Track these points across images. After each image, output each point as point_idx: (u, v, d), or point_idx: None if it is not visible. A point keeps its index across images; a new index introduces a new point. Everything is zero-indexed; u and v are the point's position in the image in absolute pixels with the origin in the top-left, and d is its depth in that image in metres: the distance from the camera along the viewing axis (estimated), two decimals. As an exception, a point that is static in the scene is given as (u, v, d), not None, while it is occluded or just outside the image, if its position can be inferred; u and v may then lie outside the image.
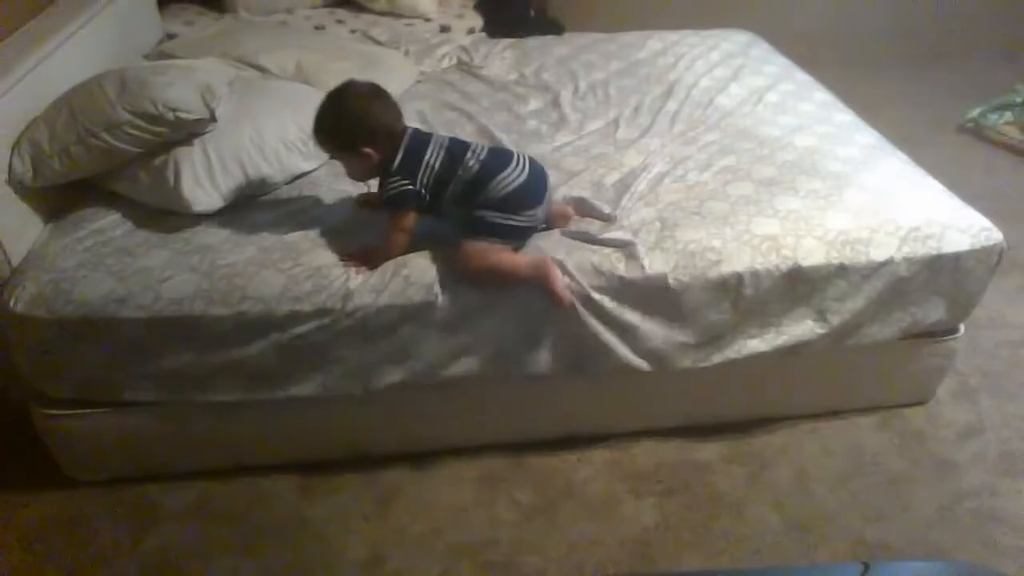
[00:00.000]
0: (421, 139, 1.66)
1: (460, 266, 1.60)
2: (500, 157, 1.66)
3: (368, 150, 1.59)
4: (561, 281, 1.58)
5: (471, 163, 1.63)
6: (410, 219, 1.64)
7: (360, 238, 1.69)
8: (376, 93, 1.63)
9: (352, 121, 1.59)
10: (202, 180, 1.74)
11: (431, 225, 1.69)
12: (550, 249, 1.65)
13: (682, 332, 1.67)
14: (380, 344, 1.60)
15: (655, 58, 2.61)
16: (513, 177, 1.62)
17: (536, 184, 1.65)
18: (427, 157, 1.63)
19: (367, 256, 1.64)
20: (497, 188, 1.61)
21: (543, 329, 1.63)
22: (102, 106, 1.71)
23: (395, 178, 1.62)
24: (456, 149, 1.66)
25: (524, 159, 1.67)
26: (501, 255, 1.60)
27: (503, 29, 3.09)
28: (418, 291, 1.58)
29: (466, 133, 2.17)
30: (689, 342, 1.68)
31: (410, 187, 1.62)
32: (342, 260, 1.64)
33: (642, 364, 1.68)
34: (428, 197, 1.64)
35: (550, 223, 1.74)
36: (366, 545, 1.66)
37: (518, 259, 1.62)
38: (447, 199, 1.65)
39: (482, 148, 1.67)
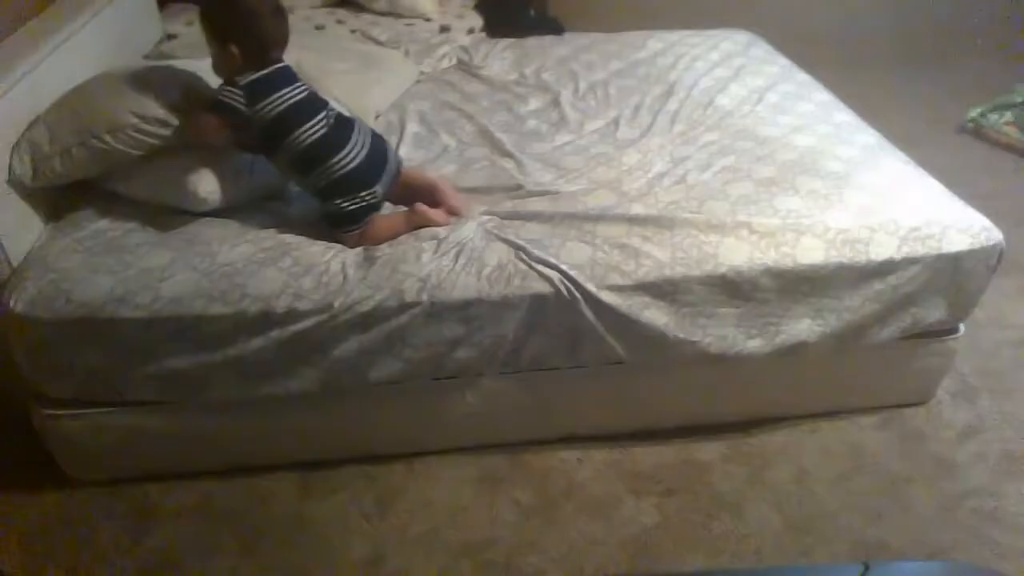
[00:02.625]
0: (287, 76, 1.68)
1: (352, 249, 1.68)
2: (338, 136, 1.69)
3: (235, 50, 1.61)
4: (437, 214, 1.72)
5: (307, 134, 1.66)
6: (216, 127, 1.65)
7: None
8: (276, 7, 1.65)
9: (237, 14, 1.61)
10: (211, 175, 1.72)
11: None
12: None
13: (679, 329, 1.67)
14: (378, 338, 1.60)
15: (655, 58, 2.61)
16: (347, 160, 1.67)
17: (372, 164, 1.72)
18: (279, 95, 1.65)
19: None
20: (328, 172, 1.67)
21: (540, 320, 1.63)
22: (105, 108, 1.70)
23: (237, 91, 1.62)
24: (304, 110, 1.67)
25: (363, 138, 1.72)
26: (377, 230, 1.69)
27: (503, 29, 3.08)
28: (414, 284, 1.59)
29: (466, 133, 2.17)
30: (687, 339, 1.68)
31: (243, 108, 1.62)
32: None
33: (638, 359, 1.69)
34: (257, 134, 1.67)
35: (407, 195, 1.79)
36: (366, 545, 1.66)
37: (393, 221, 1.72)
38: (281, 157, 1.69)
39: (326, 122, 1.69)
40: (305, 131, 1.66)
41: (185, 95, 1.72)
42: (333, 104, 1.78)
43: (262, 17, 1.63)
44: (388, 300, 1.58)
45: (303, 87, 1.70)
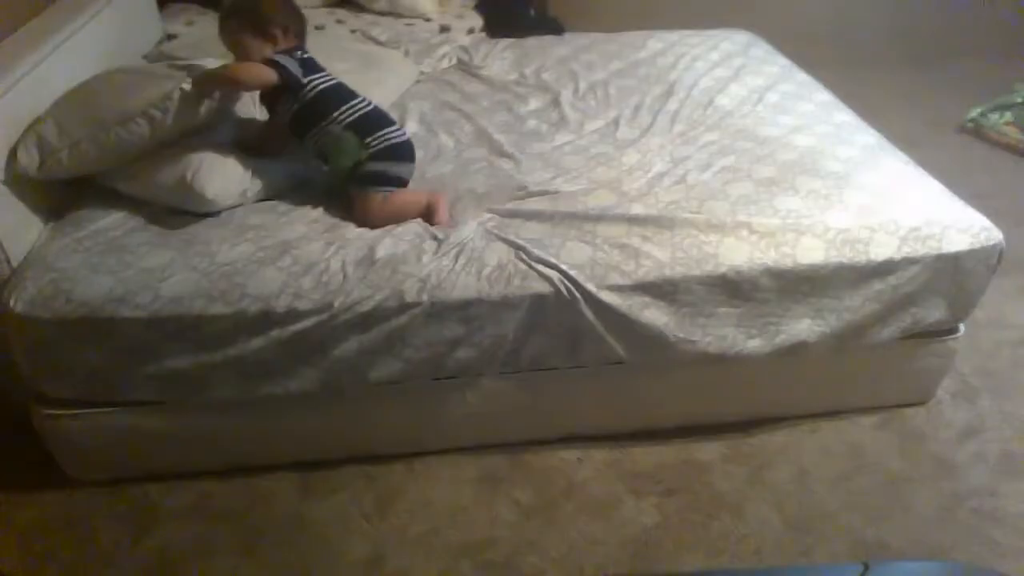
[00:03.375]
0: (317, 62, 1.81)
1: (366, 217, 1.74)
2: (386, 115, 1.86)
3: (279, 33, 1.75)
4: (445, 212, 1.77)
5: (358, 107, 1.79)
6: (268, 72, 1.70)
7: (355, 240, 1.69)
8: None
9: (279, 4, 1.78)
10: (218, 176, 1.72)
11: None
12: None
13: (679, 328, 1.67)
14: (378, 338, 1.60)
15: (655, 58, 2.61)
16: (397, 134, 1.82)
17: (411, 147, 1.87)
18: (325, 73, 1.80)
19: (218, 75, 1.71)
20: (385, 138, 1.78)
21: (540, 320, 1.63)
22: (114, 100, 1.70)
23: (291, 59, 1.74)
24: (347, 89, 1.82)
25: (403, 127, 1.88)
26: (401, 199, 1.78)
27: (503, 29, 3.08)
28: (414, 284, 1.59)
29: (465, 133, 2.17)
30: (687, 339, 1.68)
31: (297, 74, 1.74)
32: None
33: (638, 359, 1.69)
34: (298, 108, 1.76)
35: None
36: (366, 545, 1.66)
37: (414, 195, 1.80)
38: (322, 132, 1.77)
39: (368, 101, 1.83)
40: (355, 104, 1.79)
41: (211, 69, 1.73)
42: None
43: (295, 6, 1.83)
44: (388, 300, 1.58)
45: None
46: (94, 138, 1.70)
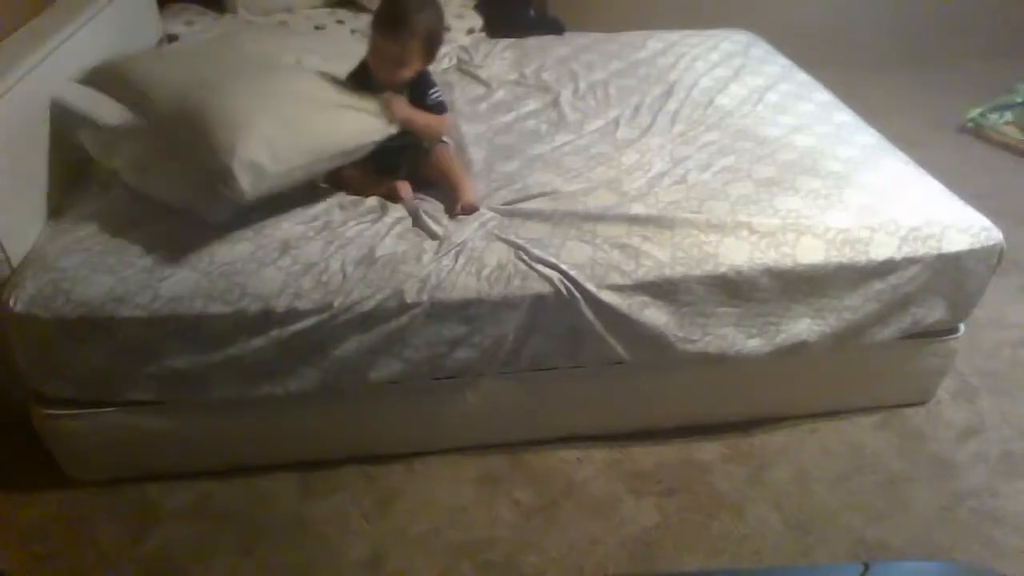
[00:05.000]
0: None
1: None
2: None
3: (428, 59, 1.81)
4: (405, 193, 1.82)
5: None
6: (447, 125, 1.90)
7: (355, 239, 1.69)
8: None
9: (440, 15, 1.82)
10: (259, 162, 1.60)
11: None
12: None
13: (679, 328, 1.67)
14: (378, 338, 1.60)
15: (655, 58, 2.61)
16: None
17: None
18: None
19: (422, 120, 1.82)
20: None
21: (540, 320, 1.63)
22: (326, 128, 1.66)
23: (436, 87, 1.86)
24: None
25: None
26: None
27: (503, 29, 3.08)
28: (414, 284, 1.59)
29: (465, 133, 2.17)
30: (687, 339, 1.68)
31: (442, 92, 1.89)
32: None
33: (638, 359, 1.69)
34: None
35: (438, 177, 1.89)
36: (366, 545, 1.66)
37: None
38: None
39: None
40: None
41: (385, 101, 1.76)
42: None
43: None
44: (388, 300, 1.58)
45: None
46: (309, 168, 1.66)
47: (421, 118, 1.82)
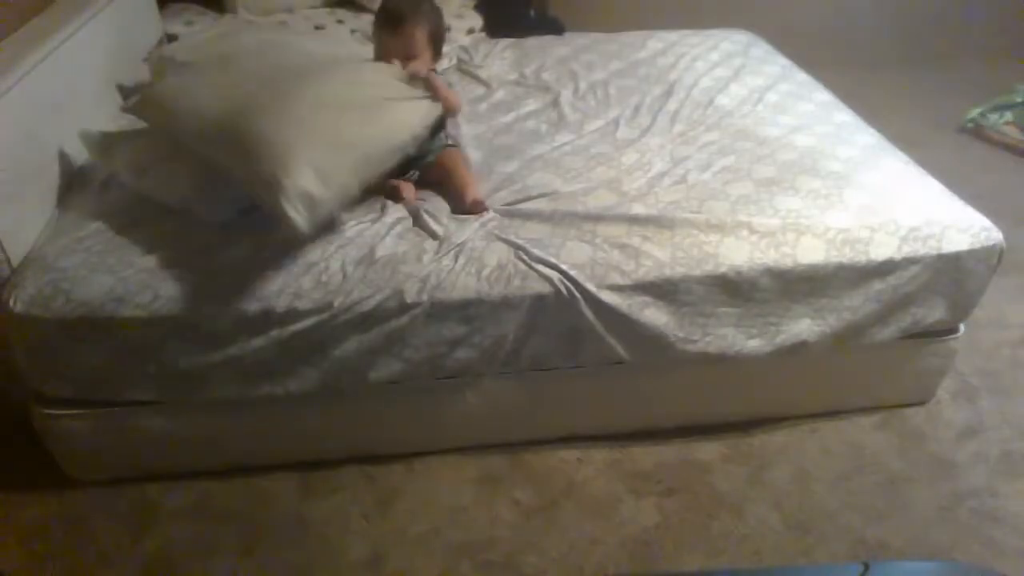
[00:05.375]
0: None
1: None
2: None
3: (435, 51, 1.87)
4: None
5: None
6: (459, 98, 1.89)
7: (356, 239, 1.69)
8: None
9: (439, 13, 1.88)
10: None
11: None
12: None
13: (679, 328, 1.67)
14: (378, 338, 1.60)
15: (655, 58, 2.61)
16: None
17: None
18: None
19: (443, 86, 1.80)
20: None
21: (540, 320, 1.63)
22: (371, 131, 1.61)
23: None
24: None
25: None
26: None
27: (503, 29, 3.09)
28: (414, 284, 1.59)
29: (465, 133, 2.17)
30: (687, 339, 1.68)
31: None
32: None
33: (638, 359, 1.69)
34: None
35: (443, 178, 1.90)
36: (366, 545, 1.66)
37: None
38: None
39: None
40: None
41: (407, 73, 1.75)
42: None
43: None
44: (388, 300, 1.58)
45: None
46: (363, 177, 1.61)
47: (442, 85, 1.81)
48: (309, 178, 1.48)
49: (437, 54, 1.88)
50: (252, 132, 1.53)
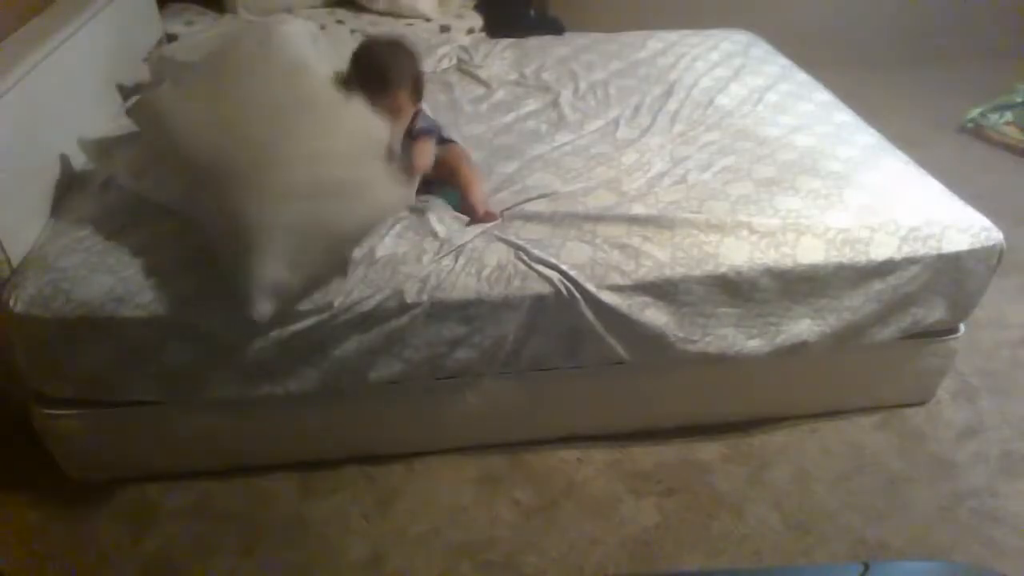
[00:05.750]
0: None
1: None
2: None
3: (415, 96, 1.81)
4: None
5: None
6: (432, 148, 1.82)
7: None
8: None
9: (416, 58, 1.82)
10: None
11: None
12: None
13: (679, 328, 1.67)
14: (378, 338, 1.60)
15: (655, 58, 2.61)
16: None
17: None
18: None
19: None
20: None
21: (540, 321, 1.63)
22: (343, 219, 1.54)
23: (431, 121, 1.89)
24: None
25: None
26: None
27: (503, 29, 3.09)
28: (414, 284, 1.59)
29: (465, 133, 2.17)
30: (687, 339, 1.68)
31: (439, 132, 1.89)
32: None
33: (638, 359, 1.69)
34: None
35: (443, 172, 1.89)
36: (366, 545, 1.66)
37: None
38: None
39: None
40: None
41: (381, 170, 1.63)
42: None
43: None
44: (388, 300, 1.58)
45: None
46: (333, 263, 1.57)
47: (420, 156, 1.76)
48: (280, 270, 1.47)
49: (419, 99, 1.84)
50: (229, 204, 1.49)
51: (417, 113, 1.86)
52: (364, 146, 1.61)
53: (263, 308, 1.48)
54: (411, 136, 1.82)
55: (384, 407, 1.77)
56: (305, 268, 1.52)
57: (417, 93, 1.82)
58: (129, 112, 1.80)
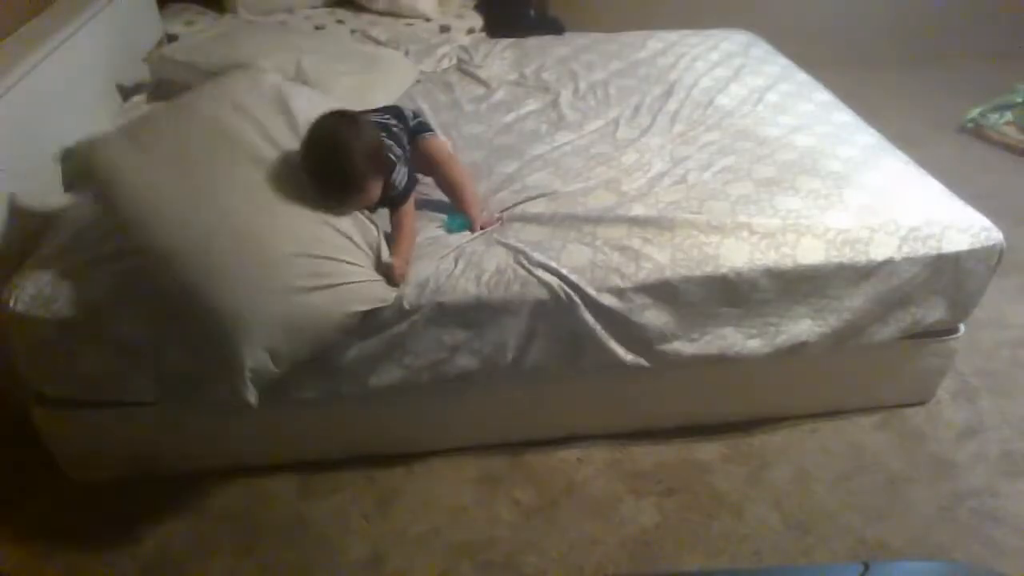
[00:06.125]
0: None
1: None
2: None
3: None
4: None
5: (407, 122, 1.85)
6: (412, 209, 1.71)
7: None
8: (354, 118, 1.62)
9: (364, 129, 1.59)
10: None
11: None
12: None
13: (679, 329, 1.67)
14: (378, 344, 1.60)
15: (655, 58, 2.61)
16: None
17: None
18: (391, 146, 1.71)
19: (400, 263, 1.59)
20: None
21: (540, 325, 1.63)
22: (326, 317, 1.50)
23: (397, 172, 1.67)
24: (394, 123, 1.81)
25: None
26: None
27: (503, 29, 3.09)
28: (413, 289, 1.58)
29: (465, 133, 2.17)
30: (687, 340, 1.68)
31: (405, 168, 1.69)
32: (395, 282, 1.58)
33: (639, 362, 1.69)
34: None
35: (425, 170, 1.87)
36: (366, 545, 1.66)
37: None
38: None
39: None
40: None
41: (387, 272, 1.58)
42: None
43: (371, 129, 1.65)
44: (388, 306, 1.57)
45: (373, 123, 1.74)
46: (313, 348, 1.54)
47: (405, 253, 1.63)
48: (263, 359, 1.47)
49: (382, 165, 1.62)
50: (206, 289, 1.44)
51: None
52: (349, 244, 1.55)
53: (252, 395, 1.49)
54: (389, 202, 1.68)
55: (384, 407, 1.77)
56: (286, 360, 1.51)
57: (379, 164, 1.60)
58: (65, 168, 1.62)
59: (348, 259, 1.54)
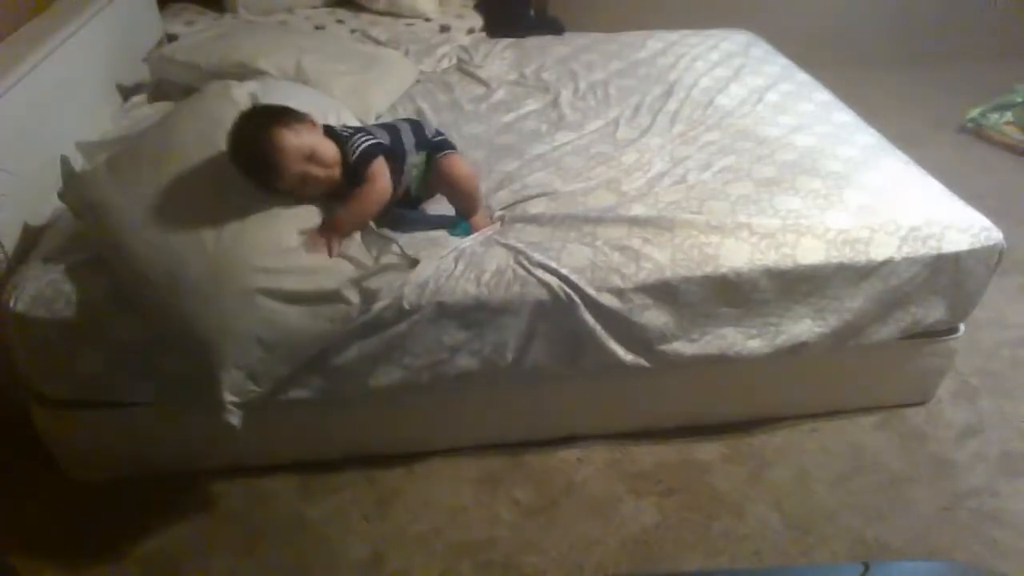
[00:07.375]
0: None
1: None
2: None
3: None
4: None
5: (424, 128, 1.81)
6: (384, 168, 1.62)
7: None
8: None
9: (288, 109, 1.58)
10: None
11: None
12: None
13: (679, 329, 1.67)
14: (377, 345, 1.60)
15: (655, 58, 2.61)
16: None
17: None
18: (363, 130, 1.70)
19: (333, 226, 1.56)
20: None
21: (540, 325, 1.63)
22: (300, 328, 1.50)
23: (355, 139, 1.61)
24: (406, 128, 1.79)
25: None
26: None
27: (503, 29, 3.09)
28: (413, 290, 1.58)
29: (465, 133, 2.17)
30: (687, 340, 1.68)
31: (372, 138, 1.64)
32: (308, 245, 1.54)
33: (639, 362, 1.69)
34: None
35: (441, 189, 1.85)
36: (366, 545, 1.66)
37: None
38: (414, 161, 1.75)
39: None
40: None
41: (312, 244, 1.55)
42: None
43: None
44: (387, 306, 1.57)
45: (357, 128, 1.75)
46: (295, 364, 1.56)
47: (346, 224, 1.59)
48: (243, 379, 1.50)
49: (318, 129, 1.56)
50: (181, 310, 1.48)
51: (340, 140, 1.59)
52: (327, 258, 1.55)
53: (235, 417, 1.50)
54: (354, 173, 1.60)
55: (384, 407, 1.77)
56: (266, 378, 1.53)
57: (290, 121, 1.52)
58: (62, 197, 1.65)
59: (320, 268, 1.53)
